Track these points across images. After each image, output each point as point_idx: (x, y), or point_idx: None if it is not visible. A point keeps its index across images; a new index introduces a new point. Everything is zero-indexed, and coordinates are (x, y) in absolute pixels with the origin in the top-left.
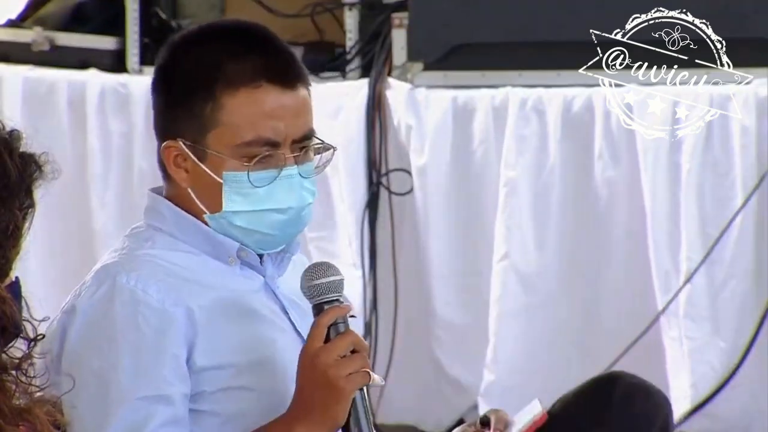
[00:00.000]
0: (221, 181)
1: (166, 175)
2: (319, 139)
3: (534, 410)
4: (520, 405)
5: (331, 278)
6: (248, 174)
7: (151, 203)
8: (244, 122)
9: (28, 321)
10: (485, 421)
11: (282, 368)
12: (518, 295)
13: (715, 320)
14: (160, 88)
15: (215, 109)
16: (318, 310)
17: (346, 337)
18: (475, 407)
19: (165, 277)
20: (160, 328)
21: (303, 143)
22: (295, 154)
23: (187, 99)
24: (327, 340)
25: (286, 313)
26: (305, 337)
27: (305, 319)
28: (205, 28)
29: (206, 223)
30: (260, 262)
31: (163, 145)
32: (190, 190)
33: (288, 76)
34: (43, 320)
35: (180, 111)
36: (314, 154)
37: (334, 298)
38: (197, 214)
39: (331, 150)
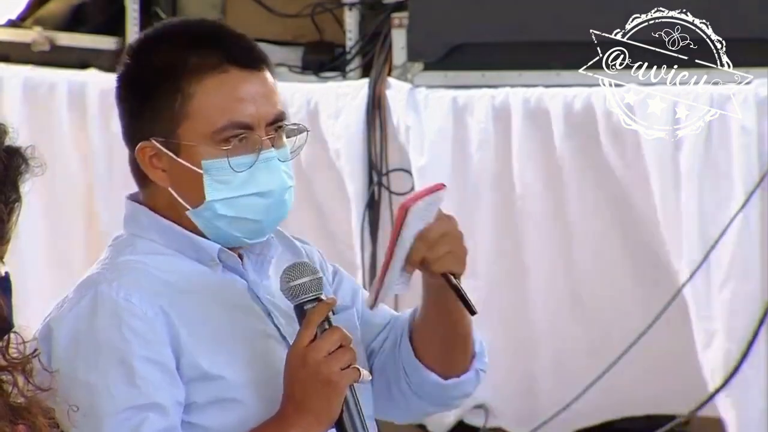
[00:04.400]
0: (201, 171)
1: (142, 181)
2: (291, 122)
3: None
4: (521, 404)
5: (308, 278)
6: (228, 159)
7: (130, 211)
8: (215, 109)
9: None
10: None
11: (271, 377)
12: (525, 293)
13: (715, 320)
14: (124, 94)
15: (184, 100)
16: (299, 310)
17: (334, 333)
18: (477, 406)
19: (147, 284)
20: (145, 337)
21: (276, 125)
22: (270, 136)
23: (154, 97)
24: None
25: (270, 317)
26: (291, 342)
27: (291, 323)
28: (161, 29)
29: (188, 226)
30: (242, 264)
31: (137, 148)
32: (170, 189)
33: (252, 59)
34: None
35: (148, 111)
36: (287, 137)
37: (315, 297)
38: (179, 217)
39: (305, 132)
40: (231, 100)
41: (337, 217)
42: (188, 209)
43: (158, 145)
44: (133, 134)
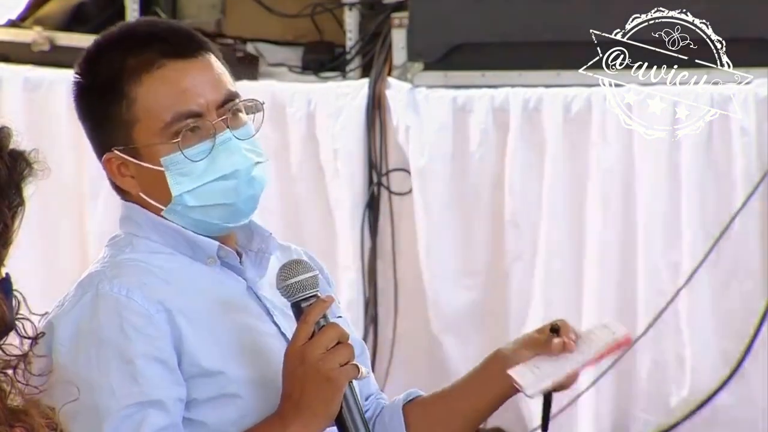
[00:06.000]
0: (162, 169)
1: (121, 194)
2: (246, 98)
3: (616, 331)
4: (521, 403)
5: (304, 276)
6: (182, 151)
7: (126, 212)
8: (160, 105)
9: (26, 318)
10: (555, 329)
11: (271, 373)
12: (524, 294)
13: (716, 320)
14: (81, 111)
15: (129, 105)
16: (296, 308)
17: (331, 330)
18: None
19: (147, 282)
20: (146, 333)
21: (228, 106)
22: (223, 118)
23: (104, 108)
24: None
25: (270, 315)
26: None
27: (289, 320)
28: (100, 40)
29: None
30: (240, 262)
31: (102, 161)
32: (142, 194)
33: (187, 48)
34: (43, 315)
35: (103, 123)
36: (246, 114)
37: (311, 295)
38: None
39: (262, 110)
40: (173, 93)
41: (336, 217)
42: (162, 209)
43: (120, 153)
44: (97, 147)
